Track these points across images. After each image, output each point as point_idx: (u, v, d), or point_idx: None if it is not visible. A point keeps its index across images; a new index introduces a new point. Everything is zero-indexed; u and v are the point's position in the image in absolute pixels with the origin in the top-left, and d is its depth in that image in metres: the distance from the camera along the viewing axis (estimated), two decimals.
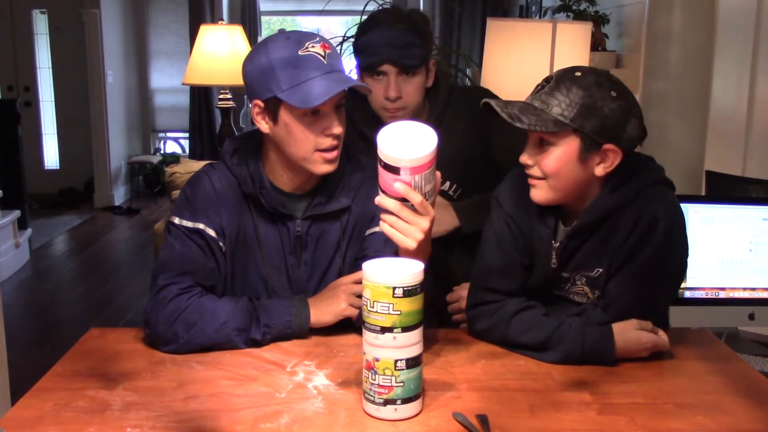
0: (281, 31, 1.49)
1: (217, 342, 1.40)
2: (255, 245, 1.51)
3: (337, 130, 1.42)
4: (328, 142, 1.42)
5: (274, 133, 1.45)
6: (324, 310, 1.45)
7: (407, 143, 1.24)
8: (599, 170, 1.38)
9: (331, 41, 1.47)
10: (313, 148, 1.43)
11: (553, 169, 1.38)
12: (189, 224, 1.47)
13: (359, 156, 1.59)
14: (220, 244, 1.48)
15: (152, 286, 1.45)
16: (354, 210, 1.54)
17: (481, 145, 1.87)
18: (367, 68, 1.73)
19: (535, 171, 1.41)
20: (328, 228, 1.53)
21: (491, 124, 1.79)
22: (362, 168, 1.56)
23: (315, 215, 1.51)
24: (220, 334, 1.40)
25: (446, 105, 1.85)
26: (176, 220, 1.48)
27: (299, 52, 1.39)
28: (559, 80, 1.38)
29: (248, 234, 1.51)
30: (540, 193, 1.42)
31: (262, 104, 1.43)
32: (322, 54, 1.40)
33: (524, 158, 1.41)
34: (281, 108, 1.41)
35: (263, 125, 1.45)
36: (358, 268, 1.43)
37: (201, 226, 1.47)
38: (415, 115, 1.76)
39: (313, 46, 1.40)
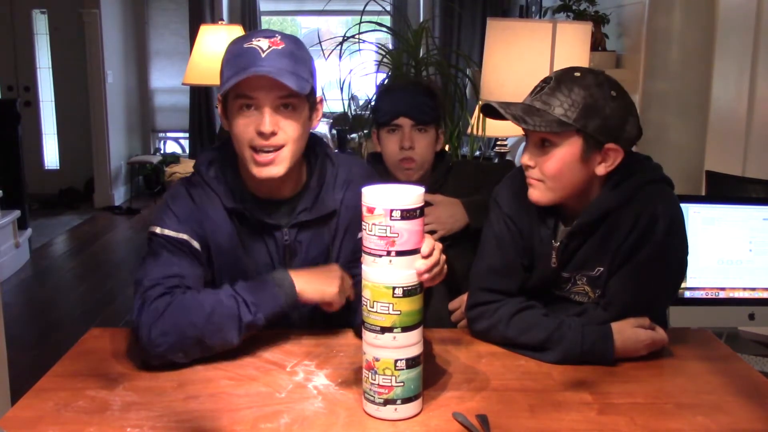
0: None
1: (208, 332, 1.32)
2: (242, 256, 1.46)
3: (265, 128, 1.34)
4: (257, 140, 1.37)
5: (229, 129, 1.43)
6: (314, 286, 1.39)
7: None
8: (600, 170, 1.39)
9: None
10: (248, 145, 1.38)
11: (554, 170, 1.38)
12: (172, 233, 1.42)
13: (340, 155, 1.56)
14: (205, 255, 1.44)
15: (136, 291, 1.38)
16: (343, 212, 1.50)
17: None
18: (383, 123, 1.91)
19: (535, 173, 1.40)
20: (317, 232, 1.49)
21: (481, 187, 1.98)
22: (346, 167, 1.52)
23: (302, 222, 1.47)
24: (210, 323, 1.32)
25: (446, 176, 2.01)
26: (158, 230, 1.42)
27: (244, 45, 1.37)
28: (559, 81, 1.38)
29: (234, 246, 1.46)
30: (538, 193, 1.42)
31: (220, 98, 1.43)
32: (265, 48, 1.35)
33: (525, 159, 1.41)
34: (227, 103, 1.41)
35: (224, 122, 1.45)
36: (352, 269, 1.42)
37: (185, 236, 1.42)
38: (422, 180, 1.94)
39: (258, 41, 1.36)
